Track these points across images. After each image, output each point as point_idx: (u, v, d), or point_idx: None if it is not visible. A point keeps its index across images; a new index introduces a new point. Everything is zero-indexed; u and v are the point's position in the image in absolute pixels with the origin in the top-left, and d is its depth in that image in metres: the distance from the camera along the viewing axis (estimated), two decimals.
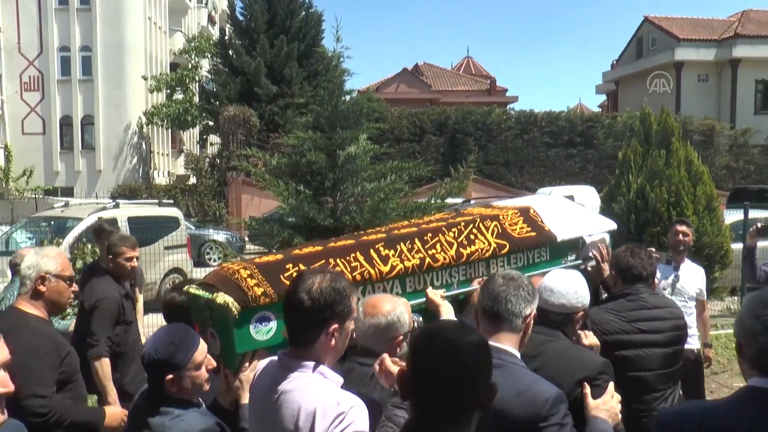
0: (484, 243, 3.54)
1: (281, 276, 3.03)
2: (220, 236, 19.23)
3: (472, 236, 3.54)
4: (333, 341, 2.29)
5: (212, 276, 3.17)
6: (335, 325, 2.28)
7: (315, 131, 7.23)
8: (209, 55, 31.37)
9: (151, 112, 31.87)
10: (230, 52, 29.22)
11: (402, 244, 3.39)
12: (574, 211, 4.09)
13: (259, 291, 2.92)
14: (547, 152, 30.59)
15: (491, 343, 2.26)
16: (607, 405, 2.63)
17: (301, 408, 2.17)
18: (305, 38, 29.19)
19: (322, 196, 7.06)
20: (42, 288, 3.17)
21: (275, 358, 2.43)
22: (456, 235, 3.52)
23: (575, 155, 30.73)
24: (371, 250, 3.31)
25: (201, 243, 18.48)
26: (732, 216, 11.64)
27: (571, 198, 20.18)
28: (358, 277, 3.18)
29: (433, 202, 7.26)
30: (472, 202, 13.10)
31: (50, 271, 3.19)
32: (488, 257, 3.54)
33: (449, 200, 8.13)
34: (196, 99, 31.37)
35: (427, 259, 3.36)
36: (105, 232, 6.16)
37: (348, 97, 7.26)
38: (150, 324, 9.98)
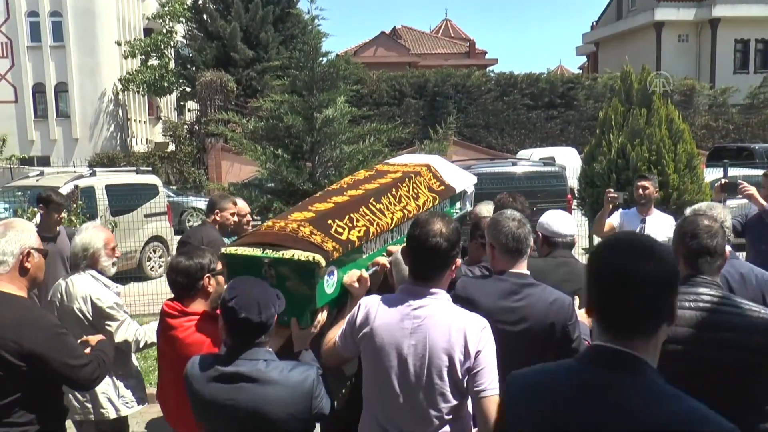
0: (425, 196, 3.83)
1: (331, 231, 3.11)
2: (201, 203, 19.04)
3: (415, 190, 3.84)
4: (452, 273, 2.76)
5: (266, 235, 3.09)
6: (459, 260, 2.76)
7: (292, 95, 7.13)
8: (183, 20, 30.74)
9: (126, 79, 31.26)
10: (205, 17, 28.64)
11: (384, 198, 3.57)
12: (454, 167, 4.55)
13: (329, 246, 2.96)
14: (528, 114, 30.52)
15: (516, 270, 3.14)
16: None
17: (452, 327, 2.60)
18: (280, 1, 28.67)
19: (300, 159, 7.00)
20: (27, 264, 2.98)
21: (377, 296, 2.83)
22: (407, 190, 3.80)
23: (556, 117, 30.69)
24: (369, 204, 3.45)
25: (182, 210, 18.30)
26: (712, 174, 11.68)
27: (552, 159, 20.22)
28: (377, 228, 3.31)
29: None
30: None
31: (32, 245, 3.02)
32: (429, 208, 3.84)
33: None
34: (172, 65, 30.83)
35: (405, 212, 3.58)
36: (53, 203, 6.29)
37: (324, 60, 7.15)
38: (134, 293, 9.91)
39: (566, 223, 3.96)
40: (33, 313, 2.94)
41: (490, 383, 2.56)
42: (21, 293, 2.95)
